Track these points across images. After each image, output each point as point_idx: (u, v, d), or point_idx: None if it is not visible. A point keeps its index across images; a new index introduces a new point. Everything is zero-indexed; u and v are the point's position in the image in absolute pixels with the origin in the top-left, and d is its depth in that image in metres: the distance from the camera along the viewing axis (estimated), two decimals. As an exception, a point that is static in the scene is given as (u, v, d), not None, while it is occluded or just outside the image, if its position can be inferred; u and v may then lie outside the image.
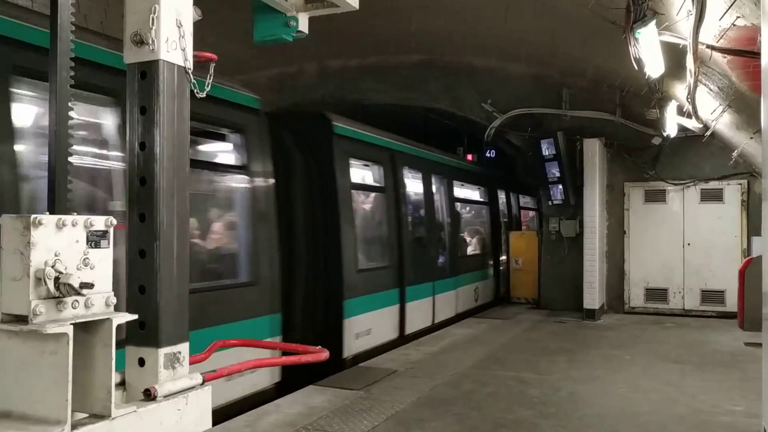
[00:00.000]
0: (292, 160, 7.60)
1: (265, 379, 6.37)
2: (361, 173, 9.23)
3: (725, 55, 6.45)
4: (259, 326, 6.41)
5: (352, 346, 8.16)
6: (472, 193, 14.46)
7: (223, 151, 6.65)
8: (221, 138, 6.48)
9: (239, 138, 6.47)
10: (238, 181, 6.54)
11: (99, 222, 1.99)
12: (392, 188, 9.70)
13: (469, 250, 13.80)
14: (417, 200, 10.90)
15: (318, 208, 8.01)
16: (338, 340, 7.88)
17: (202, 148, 6.47)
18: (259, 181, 6.63)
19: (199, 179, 6.12)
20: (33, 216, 1.81)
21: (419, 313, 10.29)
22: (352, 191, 8.64)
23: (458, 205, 13.02)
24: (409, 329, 9.84)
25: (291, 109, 7.42)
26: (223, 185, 6.63)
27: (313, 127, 8.29)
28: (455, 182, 12.71)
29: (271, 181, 6.78)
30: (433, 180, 11.41)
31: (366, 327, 8.55)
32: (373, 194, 9.54)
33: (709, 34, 5.91)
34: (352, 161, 8.77)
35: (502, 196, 16.03)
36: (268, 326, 6.56)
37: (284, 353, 3.39)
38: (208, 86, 2.45)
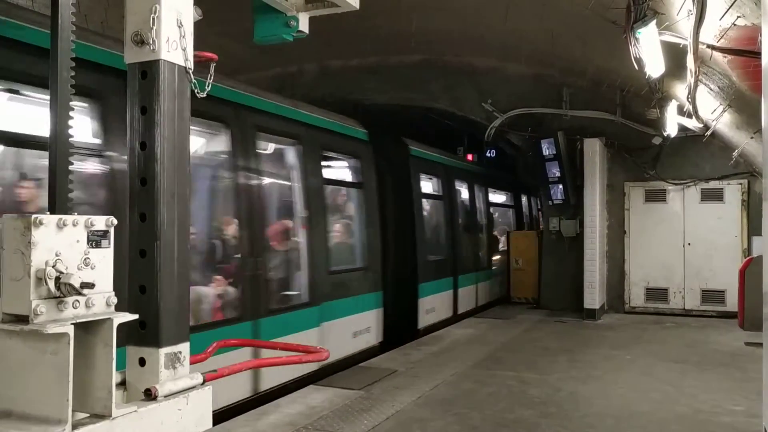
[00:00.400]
0: (383, 176, 9.57)
1: (372, 338, 8.78)
2: (427, 184, 11.68)
3: (726, 55, 6.44)
4: (371, 300, 8.80)
5: (423, 319, 10.53)
6: (502, 198, 16.92)
7: (349, 172, 9.06)
8: (349, 163, 9.01)
9: (358, 162, 8.95)
10: (358, 194, 8.99)
11: (99, 222, 1.99)
12: (447, 195, 12.24)
13: (500, 246, 15.55)
14: (464, 204, 13.43)
15: (399, 211, 10.10)
16: (415, 315, 10.28)
17: (339, 170, 8.94)
18: (369, 193, 9.04)
19: (339, 194, 8.93)
20: (33, 216, 1.81)
21: (467, 297, 12.70)
22: (422, 199, 11.10)
23: (492, 208, 15.46)
24: (460, 310, 12.21)
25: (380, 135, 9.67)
26: (351, 197, 9.11)
27: (396, 150, 10.45)
28: (490, 189, 15.13)
29: (374, 192, 9.13)
30: (475, 188, 13.95)
31: (432, 306, 10.91)
32: (434, 201, 11.95)
33: (709, 33, 5.90)
34: (422, 175, 11.19)
35: (524, 199, 18.14)
36: (374, 300, 8.88)
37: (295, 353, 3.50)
38: (208, 86, 2.45)
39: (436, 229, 11.90)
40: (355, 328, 8.32)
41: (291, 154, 7.53)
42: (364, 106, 13.08)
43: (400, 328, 9.62)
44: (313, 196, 7.64)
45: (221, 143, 6.42)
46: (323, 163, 8.10)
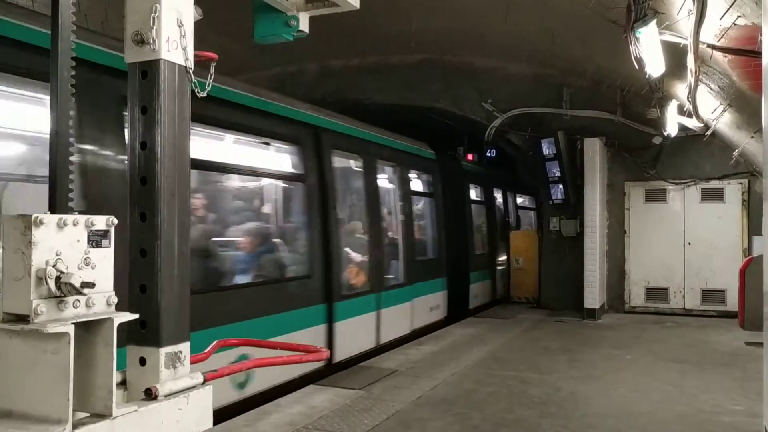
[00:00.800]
0: (445, 186, 11.93)
1: (441, 313, 11.26)
2: (473, 192, 14.24)
3: (726, 55, 6.44)
4: (440, 283, 11.34)
5: (472, 302, 13.01)
6: (526, 201, 19.27)
7: (425, 184, 11.53)
8: (424, 177, 11.46)
9: (430, 177, 11.50)
10: (431, 201, 11.58)
11: (100, 221, 1.98)
12: (487, 201, 14.91)
13: None
14: (498, 208, 16.03)
15: (456, 214, 12.46)
16: (467, 297, 12.71)
17: (419, 183, 11.31)
18: (437, 200, 11.60)
19: (420, 201, 11.37)
20: (34, 215, 1.81)
21: (502, 285, 15.04)
22: (470, 204, 13.60)
23: (519, 210, 18.22)
24: (497, 295, 14.65)
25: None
26: (427, 205, 11.60)
27: (452, 165, 13.05)
28: (517, 194, 17.89)
29: (440, 199, 11.64)
30: (507, 194, 16.88)
31: (478, 292, 13.43)
32: (478, 205, 14.29)
33: (709, 33, 5.90)
34: (471, 185, 13.93)
35: None
36: (442, 284, 11.38)
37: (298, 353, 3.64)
38: (208, 86, 2.44)
39: (479, 228, 14.31)
40: (431, 305, 10.85)
41: (392, 174, 10.18)
42: (364, 106, 13.08)
43: (457, 308, 11.96)
44: (406, 203, 10.31)
45: (357, 168, 9.08)
46: (410, 177, 10.73)
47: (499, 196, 16.16)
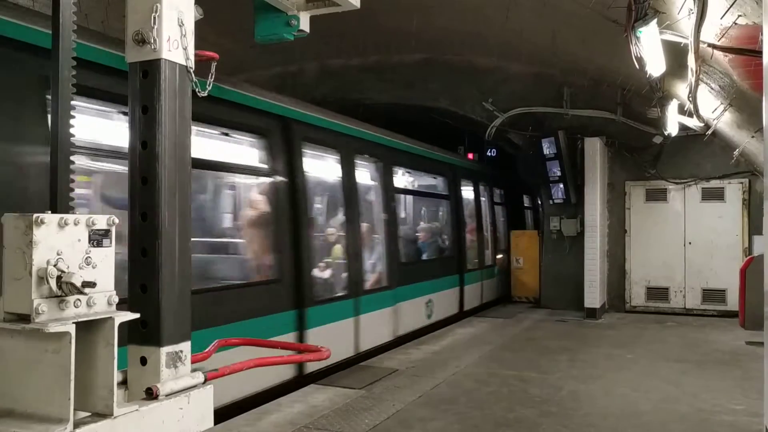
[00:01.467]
0: (494, 195, 15.54)
1: (497, 293, 14.60)
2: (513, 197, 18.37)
3: (726, 54, 6.43)
4: (496, 270, 14.74)
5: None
6: None
7: (482, 192, 14.61)
8: (481, 189, 14.53)
9: (486, 189, 14.84)
10: (487, 207, 14.89)
11: (101, 221, 1.99)
12: (523, 203, 19.19)
13: None
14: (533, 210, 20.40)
15: (503, 216, 16.34)
16: (509, 285, 15.06)
17: (482, 193, 14.56)
18: (491, 206, 15.15)
19: (482, 210, 14.39)
20: (35, 215, 1.81)
21: None
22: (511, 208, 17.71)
23: None
24: None
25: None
26: (487, 210, 14.85)
27: (500, 176, 16.26)
28: None
29: (492, 205, 15.24)
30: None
31: None
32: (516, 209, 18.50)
33: (710, 32, 5.90)
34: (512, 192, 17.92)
35: None
36: (497, 270, 14.69)
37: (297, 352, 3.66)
38: (209, 85, 2.44)
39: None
40: (492, 286, 14.37)
41: (470, 188, 13.82)
42: (365, 105, 13.07)
43: (504, 291, 14.99)
44: (477, 208, 14.00)
45: (463, 186, 13.20)
46: (480, 189, 14.29)
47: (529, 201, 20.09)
